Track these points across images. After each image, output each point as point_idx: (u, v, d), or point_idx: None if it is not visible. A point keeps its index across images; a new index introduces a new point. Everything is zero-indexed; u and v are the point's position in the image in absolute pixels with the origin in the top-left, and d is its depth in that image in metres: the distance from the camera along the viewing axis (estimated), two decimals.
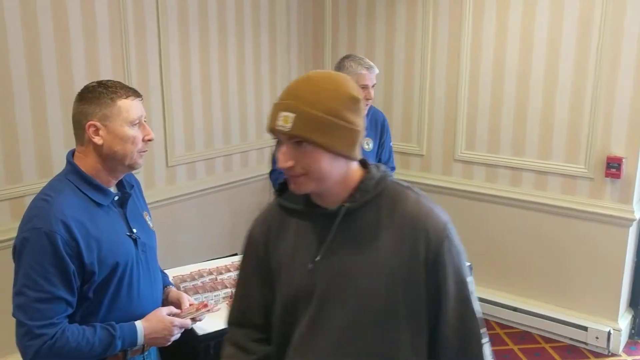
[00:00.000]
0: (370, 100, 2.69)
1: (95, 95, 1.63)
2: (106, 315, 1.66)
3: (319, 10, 4.35)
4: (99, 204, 1.66)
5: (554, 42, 3.40)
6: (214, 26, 3.74)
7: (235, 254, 2.80)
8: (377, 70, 2.71)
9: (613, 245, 3.36)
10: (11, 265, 2.82)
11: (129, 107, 1.65)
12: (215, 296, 2.23)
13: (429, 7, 3.82)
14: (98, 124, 1.63)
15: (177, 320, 1.79)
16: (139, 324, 1.71)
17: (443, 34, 3.82)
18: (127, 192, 1.77)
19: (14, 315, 1.57)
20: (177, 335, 1.80)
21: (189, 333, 1.94)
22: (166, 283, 2.02)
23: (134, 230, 1.75)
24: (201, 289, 2.27)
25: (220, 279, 2.38)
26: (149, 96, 3.36)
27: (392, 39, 4.05)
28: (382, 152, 2.90)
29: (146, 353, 1.78)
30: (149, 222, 1.89)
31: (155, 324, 1.74)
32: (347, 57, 2.74)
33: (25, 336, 1.55)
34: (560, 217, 3.53)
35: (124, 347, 1.67)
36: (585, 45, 3.30)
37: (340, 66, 2.71)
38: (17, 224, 2.77)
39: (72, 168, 1.67)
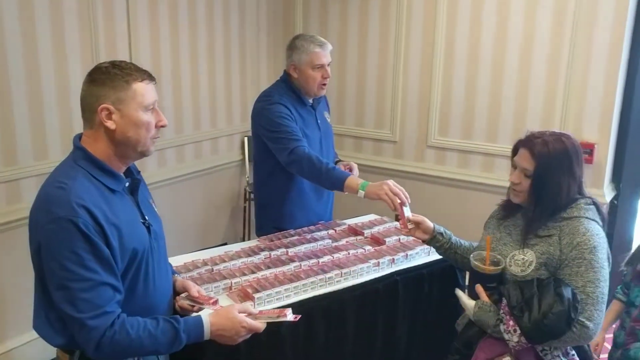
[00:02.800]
0: (327, 79, 2.62)
1: (109, 77, 1.52)
2: (124, 306, 1.55)
3: None
4: (112, 190, 1.55)
5: (528, 30, 3.46)
6: (184, 12, 3.62)
7: (225, 244, 2.71)
8: (330, 47, 2.62)
9: None
10: (8, 247, 2.63)
11: (144, 91, 1.55)
12: (215, 287, 2.14)
13: None
14: (112, 107, 1.52)
15: (247, 322, 1.64)
16: (205, 317, 1.60)
17: (417, 20, 3.81)
18: (137, 178, 1.68)
19: (64, 311, 1.44)
20: (246, 336, 1.66)
21: None
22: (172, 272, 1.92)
23: (146, 218, 1.66)
24: (199, 281, 2.16)
25: (217, 270, 2.27)
26: None
27: (365, 25, 4.01)
28: None
29: None
30: (155, 209, 1.79)
31: (223, 320, 1.62)
32: (297, 37, 2.63)
33: (81, 330, 1.44)
34: None
35: (189, 342, 1.57)
36: (558, 33, 3.37)
37: (292, 47, 2.60)
38: (12, 207, 2.57)
39: (82, 154, 1.54)
